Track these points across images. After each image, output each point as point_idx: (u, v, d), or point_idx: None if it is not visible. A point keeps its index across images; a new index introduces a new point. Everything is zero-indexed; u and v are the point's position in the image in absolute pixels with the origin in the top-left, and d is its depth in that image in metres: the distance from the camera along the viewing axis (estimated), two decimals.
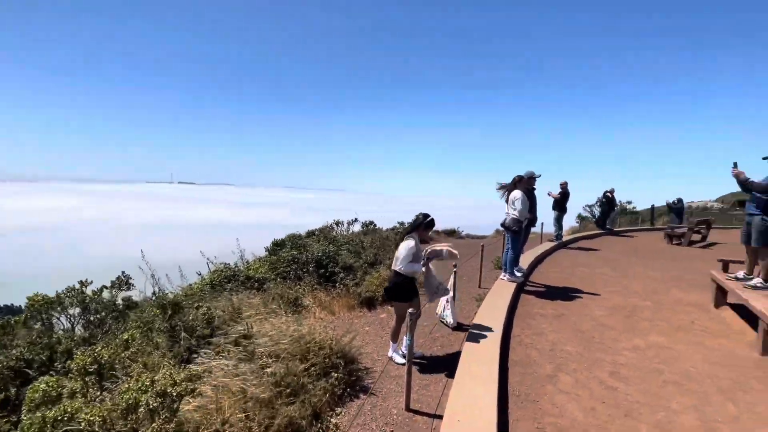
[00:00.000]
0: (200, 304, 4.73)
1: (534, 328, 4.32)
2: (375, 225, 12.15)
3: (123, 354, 3.51)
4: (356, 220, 11.93)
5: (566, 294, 5.78)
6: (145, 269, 5.77)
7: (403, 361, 3.42)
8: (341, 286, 5.95)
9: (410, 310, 2.72)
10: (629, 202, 19.83)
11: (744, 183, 4.45)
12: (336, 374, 3.08)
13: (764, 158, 4.35)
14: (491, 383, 2.77)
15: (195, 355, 3.58)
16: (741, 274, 4.81)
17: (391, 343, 3.76)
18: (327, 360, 3.18)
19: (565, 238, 11.11)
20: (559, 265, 8.06)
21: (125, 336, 4.00)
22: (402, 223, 13.56)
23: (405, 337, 3.62)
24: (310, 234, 10.65)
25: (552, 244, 10.04)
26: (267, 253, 8.69)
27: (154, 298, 5.72)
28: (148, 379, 2.53)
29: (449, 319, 4.26)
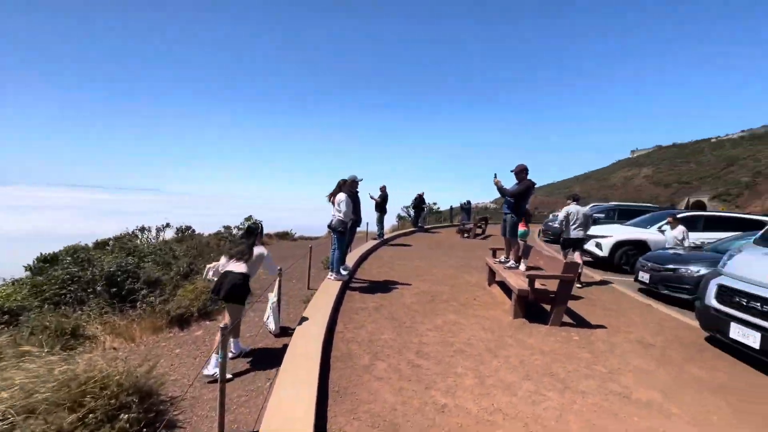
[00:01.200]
0: None
1: (356, 322, 4.60)
2: (193, 230, 10.73)
3: None
4: (168, 225, 10.27)
5: (386, 286, 6.40)
6: None
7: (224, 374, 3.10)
8: (144, 305, 4.98)
9: (221, 325, 2.46)
10: (435, 203, 23.68)
11: (500, 190, 5.91)
12: (127, 415, 2.52)
13: (511, 171, 5.90)
14: (311, 385, 2.79)
15: None
16: (502, 258, 6.36)
17: (213, 356, 3.36)
18: (113, 401, 2.56)
19: (386, 236, 12.38)
20: (380, 260, 8.90)
21: None
22: (228, 227, 12.44)
23: (215, 355, 3.30)
24: (102, 244, 8.57)
25: (375, 242, 11.04)
26: (29, 272, 6.53)
27: None
28: None
29: (271, 326, 4.11)
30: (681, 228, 7.80)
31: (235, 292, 3.49)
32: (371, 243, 10.63)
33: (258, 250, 3.76)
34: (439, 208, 24.14)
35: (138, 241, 9.36)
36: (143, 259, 6.59)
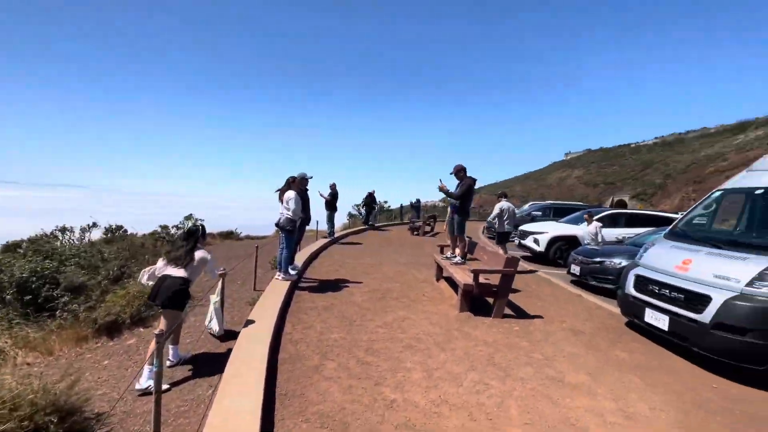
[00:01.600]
0: None
1: (305, 322, 4.52)
2: (125, 230, 9.86)
3: None
4: (95, 224, 9.35)
5: (336, 285, 6.35)
6: None
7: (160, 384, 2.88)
8: (65, 313, 4.49)
9: (156, 331, 2.29)
10: (386, 202, 23.93)
11: (447, 194, 6.16)
12: None
13: (451, 173, 6.18)
14: (257, 389, 2.69)
15: None
16: (449, 254, 6.58)
17: (146, 367, 3.10)
18: (27, 422, 2.28)
19: (337, 234, 12.26)
20: (331, 259, 8.81)
21: None
22: (165, 227, 11.60)
23: (147, 366, 3.06)
24: (13, 247, 7.59)
25: (326, 240, 10.91)
26: None
27: None
28: None
29: (215, 328, 3.90)
30: (595, 224, 8.65)
31: (174, 299, 3.28)
32: (321, 241, 10.48)
33: (199, 254, 3.54)
34: (389, 206, 24.43)
35: (58, 243, 8.39)
36: (64, 262, 5.92)
